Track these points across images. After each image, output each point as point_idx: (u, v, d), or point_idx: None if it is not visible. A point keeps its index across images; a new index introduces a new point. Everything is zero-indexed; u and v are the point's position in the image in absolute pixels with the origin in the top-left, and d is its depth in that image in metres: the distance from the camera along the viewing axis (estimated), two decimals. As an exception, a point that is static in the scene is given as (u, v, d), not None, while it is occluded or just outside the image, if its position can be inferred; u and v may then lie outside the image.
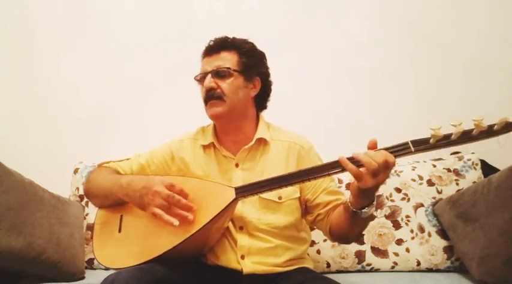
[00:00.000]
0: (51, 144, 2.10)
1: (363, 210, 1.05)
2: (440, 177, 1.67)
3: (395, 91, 2.01)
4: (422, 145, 0.98)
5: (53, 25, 2.17)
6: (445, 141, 0.96)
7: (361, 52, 2.04)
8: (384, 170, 0.96)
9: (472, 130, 0.94)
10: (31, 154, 2.08)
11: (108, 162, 1.35)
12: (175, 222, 1.08)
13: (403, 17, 2.03)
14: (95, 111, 2.12)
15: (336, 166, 1.03)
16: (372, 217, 1.11)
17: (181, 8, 2.13)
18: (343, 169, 1.01)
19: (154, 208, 1.10)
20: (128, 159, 1.36)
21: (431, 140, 0.97)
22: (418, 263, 1.56)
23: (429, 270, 1.57)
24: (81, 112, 2.12)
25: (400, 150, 0.99)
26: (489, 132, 0.93)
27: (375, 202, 1.06)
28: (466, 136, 0.95)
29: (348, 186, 1.63)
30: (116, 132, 2.09)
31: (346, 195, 1.23)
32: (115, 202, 1.23)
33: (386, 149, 0.99)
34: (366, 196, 1.03)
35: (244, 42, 1.30)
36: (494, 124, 0.93)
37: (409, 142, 0.99)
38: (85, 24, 2.17)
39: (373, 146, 1.00)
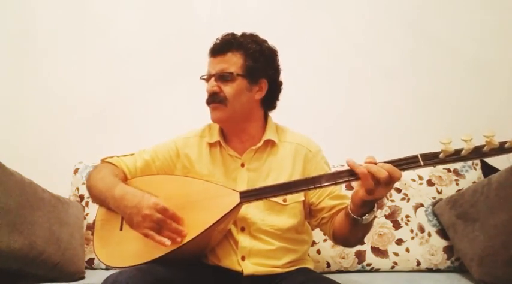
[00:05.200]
0: (51, 144, 2.10)
1: (364, 217, 1.06)
2: (440, 177, 1.68)
3: (395, 91, 2.01)
4: (432, 159, 0.97)
5: (52, 24, 2.17)
6: (455, 156, 0.96)
7: (361, 52, 2.04)
8: (389, 183, 0.97)
9: (483, 146, 0.93)
10: (31, 154, 2.07)
11: (111, 157, 1.33)
12: (168, 242, 1.06)
13: (403, 17, 2.03)
14: (95, 110, 2.11)
15: (343, 176, 1.03)
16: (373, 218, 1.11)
17: (182, 7, 2.13)
18: (351, 179, 1.01)
19: (144, 230, 1.08)
20: (132, 154, 1.34)
21: (441, 155, 0.96)
22: (418, 263, 1.56)
23: (429, 270, 1.57)
24: (81, 112, 2.12)
25: (409, 163, 0.99)
26: (500, 149, 0.93)
27: (375, 209, 1.07)
28: (477, 153, 0.94)
29: (348, 187, 1.63)
30: (116, 132, 2.09)
31: (348, 195, 1.24)
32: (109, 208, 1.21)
33: (395, 161, 0.99)
34: (367, 205, 1.04)
35: (252, 41, 1.26)
36: (505, 142, 0.92)
37: (419, 156, 0.98)
38: (85, 24, 2.16)
39: (371, 163, 1.00)
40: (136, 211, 1.09)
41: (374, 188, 0.97)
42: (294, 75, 2.00)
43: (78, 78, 2.14)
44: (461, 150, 0.95)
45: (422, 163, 0.97)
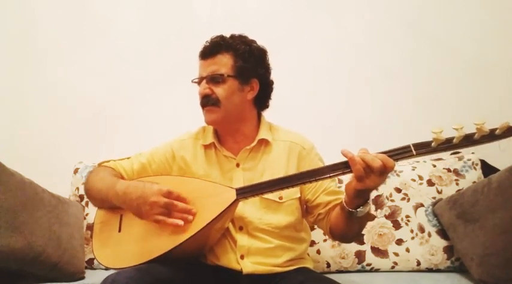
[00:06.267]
0: (51, 144, 2.10)
1: (358, 209, 1.06)
2: (440, 177, 1.68)
3: (395, 91, 2.01)
4: (424, 148, 0.98)
5: (53, 24, 2.17)
6: (446, 145, 0.97)
7: (361, 52, 2.04)
8: (383, 172, 0.98)
9: (473, 134, 0.95)
10: (31, 154, 2.07)
11: (108, 161, 1.34)
12: (180, 222, 1.09)
13: (403, 17, 2.03)
14: (95, 111, 2.12)
15: (338, 169, 1.03)
16: (372, 217, 1.11)
17: (182, 7, 2.13)
18: (346, 172, 1.02)
19: (154, 216, 1.10)
20: (128, 158, 1.35)
21: (433, 143, 0.97)
22: (418, 263, 1.56)
23: (429, 270, 1.57)
24: (81, 112, 2.12)
25: (401, 153, 1.00)
26: (491, 136, 0.94)
27: (369, 201, 1.08)
28: (468, 140, 0.95)
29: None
30: (116, 132, 2.09)
31: (344, 191, 1.24)
32: (112, 207, 1.22)
33: (389, 152, 1.00)
34: (361, 196, 1.04)
35: (241, 42, 1.27)
36: (496, 129, 0.93)
37: (411, 146, 0.99)
38: (85, 24, 2.17)
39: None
40: (143, 200, 1.10)
41: (365, 175, 0.98)
42: (294, 75, 2.02)
43: (78, 78, 2.14)
44: (453, 138, 0.96)
45: (414, 152, 0.98)
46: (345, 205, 1.08)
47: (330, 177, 1.06)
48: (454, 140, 0.96)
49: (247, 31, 1.32)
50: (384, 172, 0.98)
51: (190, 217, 1.10)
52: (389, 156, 0.99)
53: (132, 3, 2.16)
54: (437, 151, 0.99)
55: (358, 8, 2.06)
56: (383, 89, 2.01)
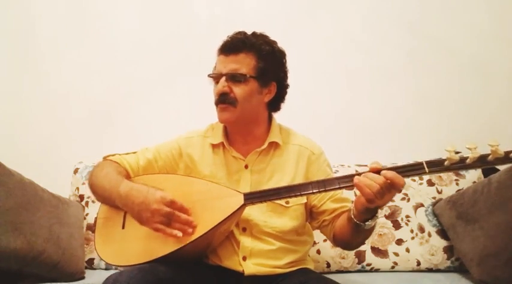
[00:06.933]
0: (51, 143, 2.10)
1: (366, 223, 1.06)
2: (440, 177, 1.68)
3: (394, 91, 2.01)
4: (436, 166, 0.97)
5: (53, 23, 2.17)
6: (460, 165, 0.95)
7: (360, 52, 2.04)
8: (396, 191, 0.98)
9: (487, 155, 0.93)
10: (31, 154, 2.07)
11: (113, 155, 1.31)
12: (179, 234, 1.07)
13: (402, 17, 2.03)
14: (95, 110, 2.11)
15: (347, 181, 1.04)
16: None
17: (182, 6, 2.13)
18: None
19: (154, 225, 1.08)
20: (134, 153, 1.33)
21: (446, 162, 0.96)
22: (418, 263, 1.56)
23: (429, 270, 1.57)
24: (81, 112, 2.12)
25: (413, 169, 0.99)
26: (505, 159, 0.92)
27: (378, 214, 1.07)
28: (482, 162, 0.94)
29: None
30: (116, 132, 2.09)
31: (350, 198, 1.24)
32: (115, 206, 1.20)
33: (400, 167, 0.99)
34: (370, 211, 1.04)
35: (264, 42, 1.23)
36: (510, 151, 0.92)
37: (424, 163, 0.98)
38: (86, 23, 2.16)
39: (375, 169, 0.99)
40: (145, 207, 1.09)
41: (374, 198, 0.97)
42: (293, 75, 2.00)
43: (79, 78, 2.14)
44: (466, 158, 0.94)
45: (427, 170, 0.97)
46: (352, 217, 1.07)
47: (339, 188, 1.06)
48: (468, 161, 0.94)
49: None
50: (391, 190, 0.98)
51: (190, 230, 1.08)
52: (400, 172, 0.98)
53: (132, 3, 2.16)
54: (450, 170, 0.98)
55: (358, 8, 2.05)
56: (383, 89, 2.01)
